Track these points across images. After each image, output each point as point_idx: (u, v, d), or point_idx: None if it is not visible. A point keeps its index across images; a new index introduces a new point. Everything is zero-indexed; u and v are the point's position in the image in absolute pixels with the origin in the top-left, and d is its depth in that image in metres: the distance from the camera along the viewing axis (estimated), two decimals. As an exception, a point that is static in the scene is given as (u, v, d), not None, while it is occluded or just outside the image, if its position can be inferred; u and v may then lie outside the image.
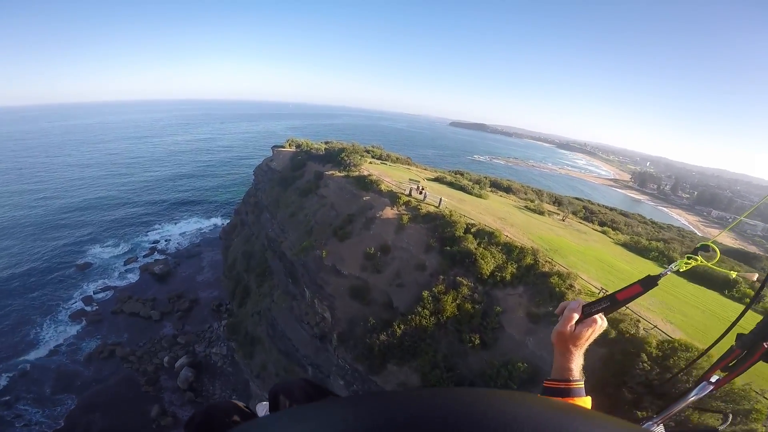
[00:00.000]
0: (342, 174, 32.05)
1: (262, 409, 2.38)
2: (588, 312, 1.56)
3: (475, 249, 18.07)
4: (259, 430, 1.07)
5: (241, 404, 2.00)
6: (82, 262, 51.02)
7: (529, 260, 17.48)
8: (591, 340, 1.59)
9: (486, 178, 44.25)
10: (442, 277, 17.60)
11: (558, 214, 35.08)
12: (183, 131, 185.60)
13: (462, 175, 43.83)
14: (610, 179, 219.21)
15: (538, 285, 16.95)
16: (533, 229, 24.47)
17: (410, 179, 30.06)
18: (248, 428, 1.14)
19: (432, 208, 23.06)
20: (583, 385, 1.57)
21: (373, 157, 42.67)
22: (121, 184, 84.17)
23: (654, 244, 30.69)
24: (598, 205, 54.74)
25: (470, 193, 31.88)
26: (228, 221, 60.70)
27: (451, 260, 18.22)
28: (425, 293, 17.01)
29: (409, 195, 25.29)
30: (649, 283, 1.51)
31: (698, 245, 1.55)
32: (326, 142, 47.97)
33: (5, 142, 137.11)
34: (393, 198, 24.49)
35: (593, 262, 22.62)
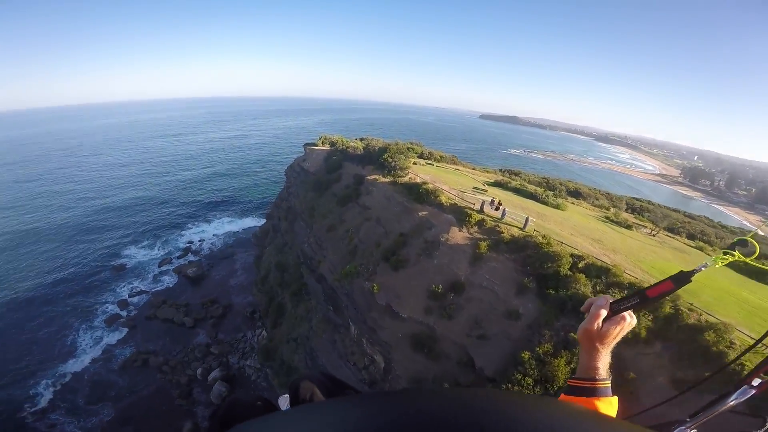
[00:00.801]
0: (387, 180, 27.75)
1: (284, 401, 2.36)
2: (616, 309, 1.48)
3: (592, 294, 13.35)
4: (268, 424, 1.07)
5: (263, 398, 1.98)
6: (117, 264, 51.34)
7: (668, 309, 12.68)
8: (619, 338, 1.52)
9: (551, 180, 38.35)
10: (547, 332, 13.11)
11: (644, 225, 29.15)
12: (216, 128, 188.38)
13: (518, 175, 38.39)
14: (657, 174, 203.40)
15: (684, 342, 12.31)
16: (637, 252, 19.17)
17: (474, 188, 25.07)
18: (257, 424, 1.14)
19: (516, 230, 18.00)
20: (609, 385, 1.50)
21: (416, 156, 38.15)
22: (157, 183, 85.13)
23: (768, 265, 24.25)
24: (680, 212, 47.43)
25: (545, 203, 26.38)
26: (261, 222, 59.01)
27: (558, 308, 13.62)
28: (525, 354, 12.55)
29: (481, 211, 20.07)
30: (681, 279, 1.41)
31: (735, 240, 1.48)
32: (362, 139, 44.28)
33: (53, 143, 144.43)
34: (460, 215, 19.54)
35: (726, 299, 17.35)
